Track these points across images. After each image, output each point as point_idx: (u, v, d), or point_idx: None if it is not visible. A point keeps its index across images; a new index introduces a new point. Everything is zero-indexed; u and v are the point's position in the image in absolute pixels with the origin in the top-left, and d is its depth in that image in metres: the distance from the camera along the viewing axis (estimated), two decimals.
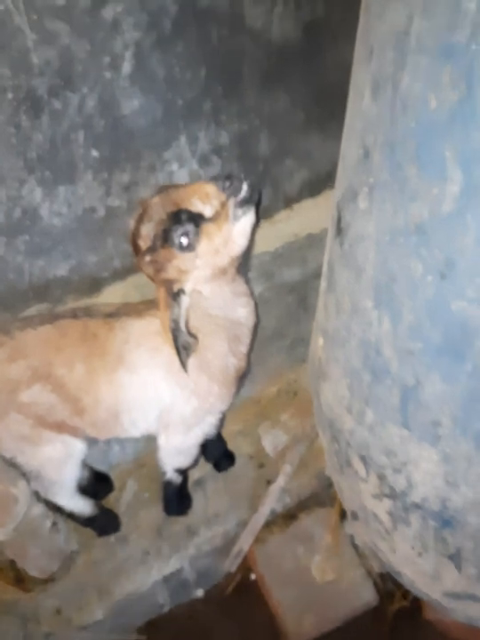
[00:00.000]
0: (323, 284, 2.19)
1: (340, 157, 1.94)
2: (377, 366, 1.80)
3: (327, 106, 3.06)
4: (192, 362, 2.25)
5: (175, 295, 2.08)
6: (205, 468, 3.32)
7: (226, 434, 3.38)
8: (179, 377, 2.29)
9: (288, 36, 2.74)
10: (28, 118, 2.28)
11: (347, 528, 3.21)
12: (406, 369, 1.69)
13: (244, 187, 2.03)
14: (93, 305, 2.53)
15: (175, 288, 2.09)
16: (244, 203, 2.05)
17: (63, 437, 2.49)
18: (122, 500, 3.27)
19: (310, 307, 3.50)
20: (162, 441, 2.59)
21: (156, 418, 2.48)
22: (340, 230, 1.89)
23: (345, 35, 2.92)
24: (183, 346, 2.08)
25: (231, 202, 2.03)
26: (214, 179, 2.04)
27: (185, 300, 2.10)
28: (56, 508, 2.88)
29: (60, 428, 2.44)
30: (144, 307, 2.40)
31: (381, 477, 1.98)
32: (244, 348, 2.43)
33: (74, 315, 2.38)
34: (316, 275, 3.39)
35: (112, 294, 2.97)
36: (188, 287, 2.11)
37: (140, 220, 2.08)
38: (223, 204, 2.02)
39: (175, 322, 2.05)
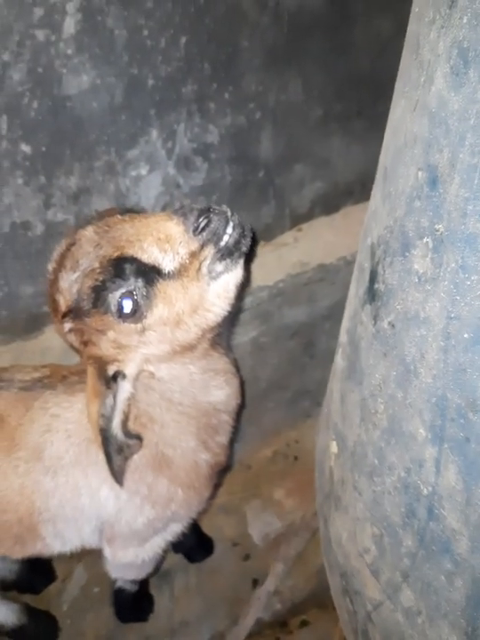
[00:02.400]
0: (339, 360, 1.45)
1: (380, 177, 1.21)
2: (428, 534, 1.06)
3: (354, 98, 2.33)
4: (144, 462, 1.56)
5: (109, 380, 1.36)
6: (174, 556, 2.59)
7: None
8: (127, 479, 1.56)
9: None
10: None
11: None
12: None
13: (229, 229, 1.32)
14: (9, 368, 1.80)
15: (110, 370, 1.39)
16: (227, 254, 1.35)
17: None
18: (65, 594, 2.55)
19: (319, 353, 2.77)
20: (107, 554, 1.89)
21: (94, 530, 1.77)
22: (375, 295, 1.15)
23: (382, 1, 2.20)
24: (117, 450, 1.36)
25: (207, 251, 1.32)
26: (183, 213, 1.33)
27: (124, 389, 1.40)
28: None
29: None
30: (79, 376, 1.67)
31: None
32: (222, 439, 1.73)
33: None
34: (327, 316, 2.65)
35: (56, 335, 2.21)
36: (129, 370, 1.41)
37: (60, 263, 1.36)
38: (194, 255, 1.32)
39: (106, 419, 1.34)
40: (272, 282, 2.39)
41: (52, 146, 1.82)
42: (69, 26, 1.64)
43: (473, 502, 0.96)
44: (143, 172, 2.03)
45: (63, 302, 1.37)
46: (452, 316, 0.90)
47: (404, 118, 1.02)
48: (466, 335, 0.89)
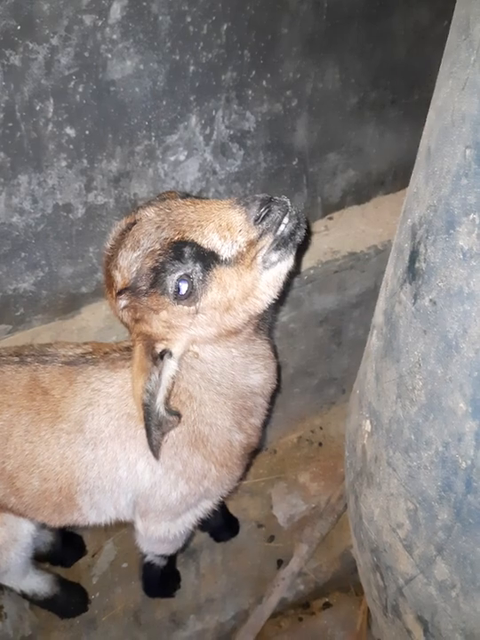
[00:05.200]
0: (374, 341, 1.48)
1: (422, 158, 1.23)
2: (465, 507, 1.10)
3: (389, 87, 2.35)
4: (182, 437, 1.61)
5: (156, 357, 1.41)
6: (200, 535, 2.65)
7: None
8: (163, 454, 1.62)
9: None
10: None
11: (374, 631, 2.51)
12: None
13: (286, 219, 1.36)
14: (54, 343, 1.86)
15: (158, 348, 1.43)
16: (282, 244, 1.39)
17: (3, 518, 1.85)
18: (94, 568, 2.62)
19: (346, 341, 2.79)
20: (139, 527, 1.94)
21: (129, 503, 1.82)
22: (415, 274, 1.18)
23: None
24: (156, 425, 1.41)
25: (264, 241, 1.36)
26: (245, 202, 1.37)
27: (170, 367, 1.45)
28: (2, 586, 2.24)
29: None
30: (120, 352, 1.73)
31: None
32: (256, 421, 1.77)
33: (20, 358, 1.72)
34: (356, 304, 2.68)
35: (93, 315, 2.31)
36: (177, 349, 1.45)
37: (121, 241, 1.41)
38: (252, 244, 1.36)
39: (150, 394, 1.39)
40: (303, 269, 2.42)
41: (95, 130, 1.87)
42: (116, 11, 1.69)
43: None
44: (181, 157, 2.08)
45: (120, 279, 1.41)
46: None
47: (452, 98, 1.04)
48: None
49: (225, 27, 1.86)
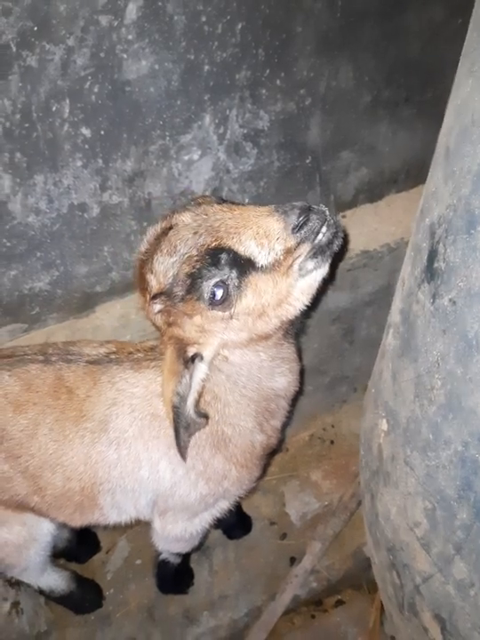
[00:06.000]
0: (391, 340, 1.49)
1: (441, 157, 1.23)
2: None
3: (403, 85, 2.34)
4: (204, 438, 1.64)
5: (188, 361, 1.42)
6: (214, 532, 2.66)
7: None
8: None
9: None
10: None
11: (387, 628, 2.51)
12: None
13: (325, 228, 1.36)
14: (77, 342, 1.87)
15: (189, 352, 1.44)
16: (320, 252, 1.40)
17: (24, 518, 1.87)
18: (109, 565, 2.65)
19: (358, 339, 2.80)
20: (157, 526, 1.95)
21: (149, 502, 1.83)
22: (434, 274, 1.18)
23: None
24: (185, 426, 1.42)
25: (302, 249, 1.37)
26: (283, 211, 1.37)
27: (200, 370, 1.46)
28: (19, 582, 2.27)
29: (19, 506, 1.81)
30: (145, 353, 1.74)
31: None
32: (277, 423, 1.78)
33: (45, 357, 1.73)
34: (369, 302, 2.68)
35: (107, 314, 2.32)
36: (208, 353, 1.47)
37: (156, 246, 1.42)
38: (289, 252, 1.37)
39: (180, 397, 1.40)
40: None
41: (110, 130, 1.88)
42: (131, 11, 1.69)
43: None
44: (195, 156, 2.08)
45: (156, 283, 1.42)
46: None
47: (472, 97, 1.04)
48: None
49: (239, 26, 1.86)
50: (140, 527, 2.69)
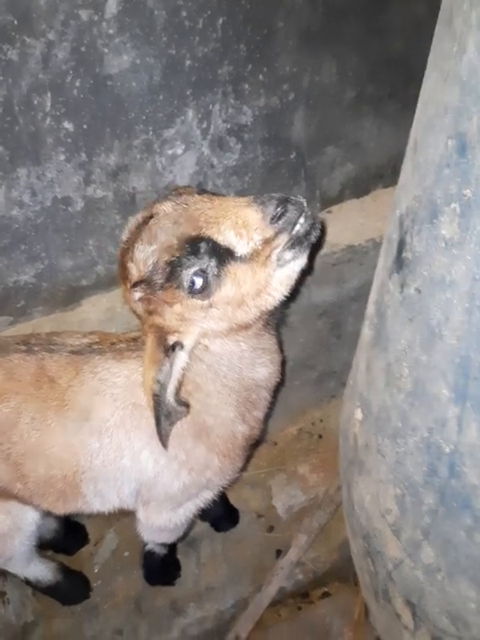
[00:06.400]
0: (366, 331, 1.50)
1: (410, 150, 1.25)
2: (449, 491, 1.12)
3: (387, 81, 2.35)
4: (186, 428, 1.65)
5: (168, 349, 1.45)
6: (201, 525, 2.68)
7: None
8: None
9: None
10: None
11: (371, 619, 2.53)
12: None
13: (302, 219, 1.39)
14: (60, 333, 1.89)
15: (170, 340, 1.47)
16: (297, 243, 1.42)
17: (8, 506, 1.89)
18: (97, 557, 2.67)
19: (345, 334, 2.81)
20: (141, 516, 1.97)
21: (132, 491, 1.85)
22: (402, 264, 1.20)
23: None
24: (166, 415, 1.44)
25: (280, 239, 1.39)
26: (262, 201, 1.39)
27: (181, 359, 1.48)
28: (5, 572, 2.29)
29: (3, 494, 1.84)
30: (127, 343, 1.76)
31: None
32: (259, 413, 1.80)
33: (28, 347, 1.75)
34: (355, 297, 2.69)
35: (94, 307, 2.34)
36: (188, 341, 1.49)
37: (137, 235, 1.44)
38: (267, 242, 1.39)
39: (160, 385, 1.42)
40: None
41: (93, 124, 1.90)
42: (111, 6, 1.71)
43: None
44: (179, 151, 2.10)
45: (136, 272, 1.44)
46: (477, 277, 0.95)
47: (436, 89, 1.06)
48: None
49: (220, 21, 1.87)
50: (129, 519, 2.70)
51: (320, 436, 2.99)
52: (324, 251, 2.47)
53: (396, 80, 2.36)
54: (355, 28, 2.16)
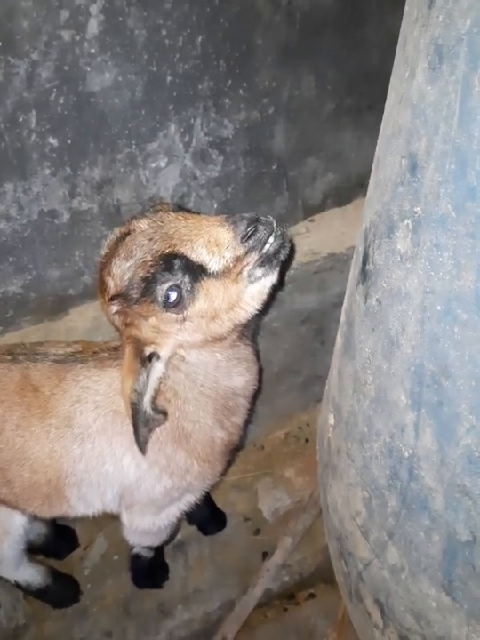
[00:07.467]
0: (339, 339, 1.56)
1: (374, 166, 1.31)
2: (409, 493, 1.17)
3: (365, 93, 2.42)
4: (165, 434, 1.71)
5: (145, 360, 1.51)
6: (189, 528, 2.73)
7: (217, 486, 2.78)
8: (149, 449, 1.70)
9: None
10: None
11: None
12: (457, 514, 1.06)
13: (272, 239, 1.46)
14: (44, 342, 1.95)
15: (146, 351, 1.53)
16: (267, 261, 1.49)
17: None
18: (86, 561, 2.71)
19: (329, 340, 2.86)
20: (125, 520, 2.02)
21: (115, 496, 1.91)
22: (366, 275, 1.26)
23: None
24: (144, 422, 1.50)
25: (250, 257, 1.46)
26: (233, 221, 1.46)
27: (157, 369, 1.54)
28: None
29: None
30: (109, 352, 1.81)
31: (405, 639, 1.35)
32: (237, 420, 1.86)
33: (13, 357, 1.81)
34: (338, 304, 2.71)
35: (81, 317, 2.39)
36: (164, 352, 1.55)
37: (115, 250, 1.50)
38: (238, 259, 1.46)
39: (138, 394, 1.48)
40: None
41: (77, 139, 1.96)
42: (93, 26, 1.77)
43: (446, 462, 1.06)
44: (162, 164, 2.16)
45: (113, 286, 1.49)
46: (428, 290, 1.01)
47: (393, 110, 1.12)
48: (439, 307, 0.99)
49: (200, 39, 1.93)
50: (118, 524, 2.74)
51: (307, 440, 3.04)
52: (306, 259, 2.53)
53: (374, 92, 2.42)
54: (332, 43, 2.22)
